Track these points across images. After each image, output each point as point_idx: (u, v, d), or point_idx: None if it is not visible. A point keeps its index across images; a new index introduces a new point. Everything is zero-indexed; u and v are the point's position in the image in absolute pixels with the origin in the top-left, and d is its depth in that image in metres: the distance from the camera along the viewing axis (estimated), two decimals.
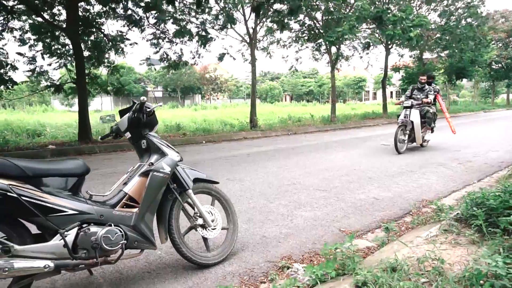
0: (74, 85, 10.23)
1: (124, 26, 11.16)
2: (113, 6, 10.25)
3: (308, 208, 3.78)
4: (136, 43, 11.82)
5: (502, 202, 2.52)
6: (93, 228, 2.02)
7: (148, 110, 2.31)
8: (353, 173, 5.51)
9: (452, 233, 2.52)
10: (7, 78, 9.55)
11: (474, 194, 2.88)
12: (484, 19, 20.31)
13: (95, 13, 10.57)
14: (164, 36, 11.28)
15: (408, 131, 7.39)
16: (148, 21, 10.84)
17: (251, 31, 13.93)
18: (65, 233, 1.93)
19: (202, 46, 11.46)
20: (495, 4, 65.04)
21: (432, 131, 8.21)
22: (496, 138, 9.84)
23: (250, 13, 13.90)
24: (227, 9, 11.67)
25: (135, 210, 2.21)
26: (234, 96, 60.65)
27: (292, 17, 13.13)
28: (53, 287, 2.29)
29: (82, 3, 10.16)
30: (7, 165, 1.87)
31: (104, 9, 10.59)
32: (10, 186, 1.81)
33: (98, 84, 11.11)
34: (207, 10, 10.96)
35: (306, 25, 16.16)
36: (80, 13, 9.95)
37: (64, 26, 9.74)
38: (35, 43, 10.37)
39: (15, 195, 1.81)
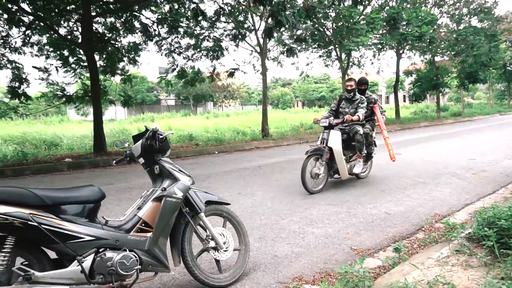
0: (88, 98, 10.49)
1: (137, 38, 11.42)
2: (128, 19, 10.50)
3: (320, 225, 3.80)
4: (149, 51, 12.06)
5: None
6: (109, 254, 2.10)
7: (160, 137, 2.39)
8: (364, 186, 5.50)
9: (464, 254, 2.51)
10: (21, 92, 9.85)
11: (486, 212, 2.86)
12: (497, 20, 20.01)
13: (109, 27, 10.84)
14: (180, 51, 11.45)
15: (325, 161, 5.13)
16: (160, 34, 11.02)
17: (261, 41, 14.05)
18: (83, 259, 2.01)
19: (215, 59, 11.58)
20: (508, 5, 63.84)
21: (369, 158, 6.08)
22: None
23: (260, 24, 14.03)
24: (237, 19, 11.81)
25: (149, 234, 2.28)
26: (245, 103, 60.92)
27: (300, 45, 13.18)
28: None
29: (97, 18, 10.46)
30: (28, 195, 1.96)
31: (118, 24, 10.87)
32: (31, 215, 1.91)
33: (106, 94, 11.34)
34: (218, 23, 11.08)
35: (316, 32, 16.22)
36: (94, 28, 10.23)
37: (79, 41, 10.03)
38: (51, 57, 10.70)
39: (35, 224, 1.90)
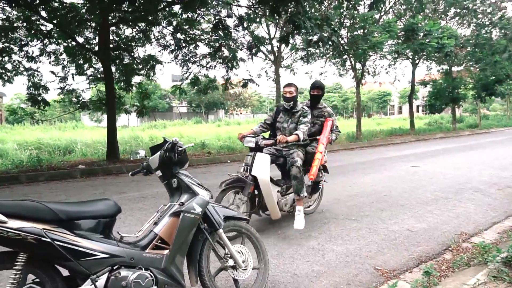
0: (104, 106, 10.56)
1: (153, 49, 11.54)
2: (144, 29, 10.58)
3: (340, 241, 3.63)
4: (168, 62, 12.14)
5: None
6: (123, 272, 1.99)
7: (179, 149, 2.29)
8: (383, 200, 5.30)
9: (503, 281, 2.32)
10: (40, 99, 9.97)
11: None
12: None
13: (126, 37, 10.94)
14: (194, 60, 11.48)
15: (247, 196, 3.68)
16: (179, 45, 11.06)
17: (275, 49, 14.03)
18: (96, 278, 1.91)
19: (230, 69, 11.56)
20: None
21: (316, 190, 4.45)
22: None
23: (275, 32, 14.01)
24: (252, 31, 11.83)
25: (166, 252, 2.16)
26: (257, 111, 60.98)
27: (318, 47, 13.14)
28: None
29: (115, 28, 10.57)
30: (41, 209, 1.86)
31: (135, 33, 10.97)
32: (44, 230, 1.81)
33: (122, 103, 11.41)
34: (234, 34, 11.08)
35: (332, 38, 16.10)
36: (112, 38, 10.34)
37: (96, 49, 10.13)
38: (68, 65, 10.83)
39: (48, 240, 1.80)
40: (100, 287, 1.90)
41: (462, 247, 3.44)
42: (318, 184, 4.43)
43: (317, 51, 15.18)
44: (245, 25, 10.75)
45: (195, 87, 11.91)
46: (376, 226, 4.10)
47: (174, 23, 10.78)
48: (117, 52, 10.50)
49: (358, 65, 16.90)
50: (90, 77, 11.12)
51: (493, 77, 19.71)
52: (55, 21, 9.01)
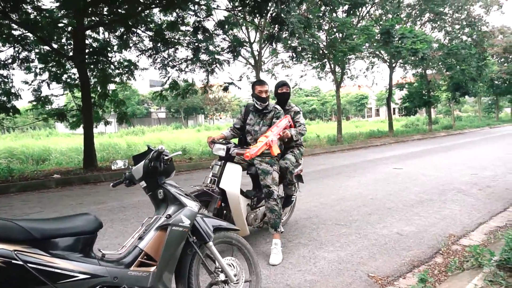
0: (79, 112, 10.18)
1: (131, 54, 11.25)
2: (122, 33, 10.28)
3: (330, 248, 3.55)
4: (147, 69, 11.88)
5: None
6: None
7: (165, 158, 2.14)
8: (370, 203, 5.28)
9: (500, 285, 2.28)
10: (10, 106, 9.49)
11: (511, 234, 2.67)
12: (486, 35, 20.37)
13: (103, 42, 10.60)
14: (173, 65, 11.26)
15: (213, 210, 3.24)
16: (158, 49, 10.82)
17: (256, 54, 13.98)
18: None
19: (211, 73, 11.40)
20: (494, 20, 65.79)
21: (288, 202, 4.08)
22: (511, 158, 9.57)
23: (255, 36, 13.97)
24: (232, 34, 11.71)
25: (153, 269, 2.00)
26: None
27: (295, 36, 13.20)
28: None
29: (92, 33, 10.22)
30: (12, 228, 1.68)
31: (112, 38, 10.66)
32: (16, 252, 1.62)
33: (100, 111, 11.05)
34: (215, 37, 10.93)
35: (312, 42, 16.19)
36: (88, 43, 10.00)
37: (71, 54, 9.75)
38: (41, 72, 10.36)
39: (20, 263, 1.61)
40: None
41: (452, 249, 3.42)
42: (290, 197, 4.03)
43: (299, 57, 15.24)
44: (225, 28, 10.62)
45: (174, 92, 11.67)
46: (366, 231, 4.04)
47: (153, 27, 10.54)
48: (94, 57, 10.14)
49: (338, 68, 17.08)
50: (66, 84, 10.68)
51: (466, 77, 20.43)
52: (27, 26, 8.61)
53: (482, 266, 2.56)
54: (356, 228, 4.14)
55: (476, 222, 4.29)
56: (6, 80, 9.70)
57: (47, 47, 9.54)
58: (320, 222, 4.42)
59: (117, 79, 11.16)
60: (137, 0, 8.69)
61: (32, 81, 10.15)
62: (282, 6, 7.88)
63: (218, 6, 10.68)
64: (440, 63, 20.43)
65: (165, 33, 10.51)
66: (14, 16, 8.54)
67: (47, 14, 8.75)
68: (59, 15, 9.14)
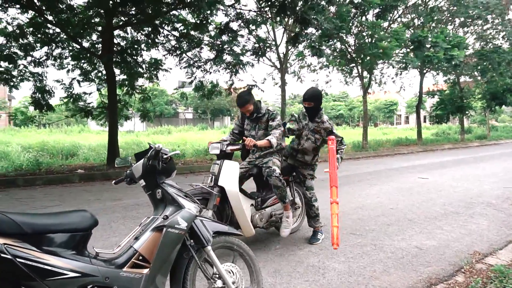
0: (105, 110, 10.44)
1: (158, 53, 11.45)
2: (149, 33, 10.47)
3: (342, 259, 3.38)
4: (171, 69, 12.06)
5: None
6: None
7: (164, 157, 2.08)
8: (390, 214, 5.03)
9: None
10: (44, 103, 9.86)
11: None
12: None
13: (131, 41, 10.84)
14: (199, 65, 11.36)
15: (212, 210, 3.20)
16: (183, 49, 10.95)
17: (281, 56, 13.88)
18: None
19: (234, 74, 11.42)
20: None
21: (310, 206, 3.92)
22: None
23: (282, 38, 13.87)
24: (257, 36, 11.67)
25: (146, 271, 1.94)
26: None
27: (326, 42, 13.00)
28: None
29: (120, 32, 10.48)
30: (3, 221, 1.65)
31: (139, 37, 10.88)
32: (5, 245, 1.60)
33: (122, 109, 11.29)
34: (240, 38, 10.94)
35: (338, 49, 15.88)
36: (116, 42, 10.25)
37: (100, 52, 10.02)
38: (73, 69, 10.72)
39: (9, 257, 1.59)
40: None
41: (476, 268, 3.16)
42: (311, 204, 3.91)
43: (328, 50, 14.88)
44: (251, 28, 10.59)
45: (199, 92, 11.77)
46: (382, 243, 3.83)
47: (180, 27, 10.66)
48: (121, 56, 10.39)
49: (365, 73, 16.66)
50: (95, 81, 11.02)
51: (503, 86, 19.36)
52: (60, 24, 8.93)
53: None
54: (372, 239, 3.94)
55: (506, 240, 3.97)
56: (40, 77, 10.12)
57: (78, 46, 9.86)
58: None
59: (145, 76, 11.36)
60: (162, 0, 8.79)
61: (63, 80, 10.53)
62: (310, 3, 7.75)
63: (245, 5, 10.65)
64: (473, 69, 19.50)
65: (191, 33, 10.60)
66: (48, 14, 8.88)
67: (78, 13, 9.02)
68: (90, 14, 9.40)
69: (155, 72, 11.34)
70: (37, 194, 6.44)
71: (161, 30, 10.56)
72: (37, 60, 9.89)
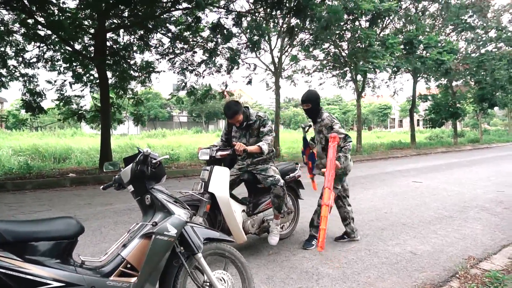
0: (98, 113, 10.34)
1: (150, 56, 11.40)
2: (142, 36, 10.41)
3: (336, 264, 3.33)
4: (163, 71, 11.98)
5: None
6: None
7: (153, 161, 2.02)
8: (384, 218, 5.00)
9: None
10: (35, 106, 9.73)
11: None
12: None
13: (124, 44, 10.77)
14: (192, 69, 11.30)
15: (202, 217, 3.13)
16: (175, 53, 10.90)
17: (276, 60, 13.89)
18: None
19: (228, 72, 11.41)
20: None
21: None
22: None
23: (276, 42, 13.89)
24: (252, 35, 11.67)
25: (134, 279, 1.88)
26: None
27: (317, 45, 13.04)
28: None
29: (113, 35, 10.40)
30: None
31: (132, 40, 10.81)
32: None
33: (115, 113, 11.19)
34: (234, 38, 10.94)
35: (331, 53, 15.91)
36: (109, 44, 10.17)
37: (92, 55, 9.93)
38: (65, 71, 10.61)
39: None
40: None
41: (471, 273, 3.13)
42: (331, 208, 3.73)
43: (317, 62, 15.00)
44: (244, 24, 10.60)
45: (192, 97, 11.71)
46: (376, 247, 3.80)
47: (173, 29, 10.61)
48: (114, 59, 10.30)
49: (359, 77, 16.72)
50: (87, 84, 10.90)
51: (492, 87, 19.53)
52: (51, 27, 8.83)
53: None
54: (366, 244, 3.90)
55: (500, 244, 3.95)
56: (31, 79, 9.99)
57: (69, 48, 9.76)
58: (328, 235, 4.18)
59: (137, 80, 11.30)
60: (155, 3, 8.74)
61: (55, 81, 10.40)
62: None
63: (242, 6, 10.63)
64: (468, 76, 19.65)
65: (185, 35, 10.56)
66: (38, 15, 8.77)
67: (69, 15, 8.93)
68: (81, 16, 9.32)
69: (147, 75, 11.28)
70: (27, 199, 6.32)
71: (154, 33, 10.50)
72: (28, 62, 9.79)
